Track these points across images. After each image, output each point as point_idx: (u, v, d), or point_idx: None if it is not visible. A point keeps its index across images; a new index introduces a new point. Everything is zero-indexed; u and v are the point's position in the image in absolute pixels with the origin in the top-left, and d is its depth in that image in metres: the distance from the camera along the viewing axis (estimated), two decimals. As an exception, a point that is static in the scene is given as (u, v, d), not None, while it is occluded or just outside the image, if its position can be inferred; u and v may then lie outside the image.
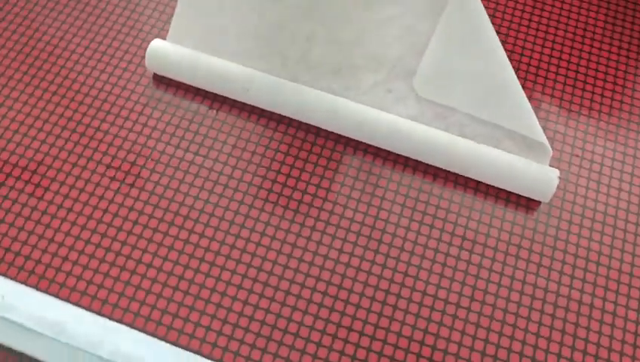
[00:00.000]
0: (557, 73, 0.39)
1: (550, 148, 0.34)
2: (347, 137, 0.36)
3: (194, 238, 0.33)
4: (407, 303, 0.32)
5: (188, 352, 0.28)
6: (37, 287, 0.31)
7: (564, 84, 0.38)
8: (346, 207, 0.34)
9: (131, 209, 0.33)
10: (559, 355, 0.31)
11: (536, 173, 0.34)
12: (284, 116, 0.37)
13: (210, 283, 0.32)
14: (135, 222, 0.33)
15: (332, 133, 0.36)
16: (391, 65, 0.37)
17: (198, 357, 0.28)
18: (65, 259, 0.32)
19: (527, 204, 0.35)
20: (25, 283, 0.31)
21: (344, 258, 0.33)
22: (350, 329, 0.31)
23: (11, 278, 0.31)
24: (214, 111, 0.36)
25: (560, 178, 0.35)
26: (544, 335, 0.31)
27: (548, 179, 0.34)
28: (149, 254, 0.32)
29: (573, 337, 0.31)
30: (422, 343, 0.31)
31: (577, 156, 0.36)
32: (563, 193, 0.35)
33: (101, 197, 0.34)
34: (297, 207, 0.34)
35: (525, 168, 0.34)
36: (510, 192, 0.35)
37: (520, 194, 0.35)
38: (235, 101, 0.37)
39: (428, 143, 0.34)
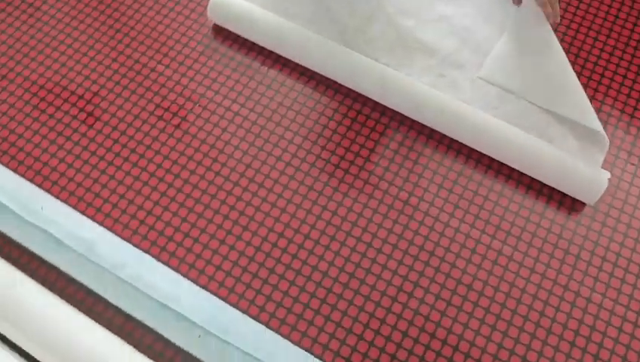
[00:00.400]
0: (624, 77, 0.37)
1: (607, 138, 0.33)
2: (393, 110, 0.36)
3: (227, 186, 0.33)
4: (429, 282, 0.31)
5: (205, 291, 0.29)
6: (74, 207, 0.32)
7: (630, 90, 0.36)
8: (382, 179, 0.34)
9: (173, 149, 0.34)
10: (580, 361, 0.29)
11: (585, 172, 0.32)
12: (334, 82, 0.36)
13: (246, 236, 0.32)
14: (175, 162, 0.34)
15: (379, 104, 0.36)
16: (444, 54, 0.37)
17: (204, 292, 0.29)
18: (104, 186, 0.33)
19: (572, 205, 0.33)
20: (65, 201, 0.32)
21: (372, 228, 0.32)
22: (368, 297, 0.31)
23: (52, 195, 0.32)
24: (265, 68, 0.37)
25: (610, 183, 0.34)
26: (567, 339, 0.30)
27: (597, 180, 0.32)
28: (182, 194, 0.33)
29: (599, 346, 0.30)
30: (434, 323, 0.30)
31: (633, 164, 0.34)
32: (611, 199, 0.34)
33: (146, 134, 0.35)
34: (333, 171, 0.34)
35: (575, 166, 0.32)
36: (554, 190, 0.34)
37: (565, 192, 0.33)
38: (287, 61, 0.37)
39: (475, 126, 0.33)
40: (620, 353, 0.30)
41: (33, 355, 0.27)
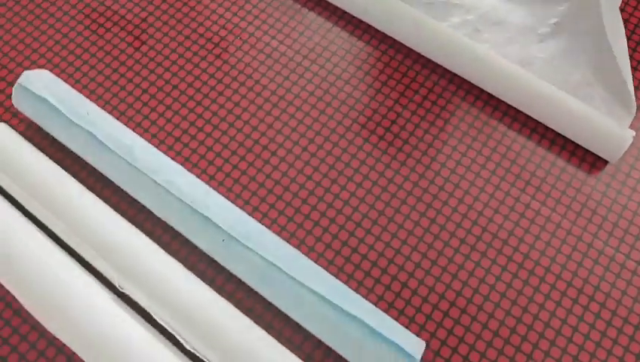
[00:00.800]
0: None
1: (635, 105, 0.33)
2: (426, 58, 0.37)
3: (260, 114, 0.35)
4: (455, 226, 0.32)
5: (231, 203, 0.30)
6: (117, 119, 0.34)
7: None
8: (412, 135, 0.35)
9: (212, 76, 0.36)
10: (597, 315, 0.30)
11: (609, 128, 0.33)
12: (369, 26, 0.38)
13: (274, 160, 0.34)
14: (213, 88, 0.36)
15: (413, 51, 0.37)
16: (482, 11, 0.37)
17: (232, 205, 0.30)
18: (145, 104, 0.35)
19: (594, 162, 0.34)
20: (109, 112, 0.34)
21: (399, 179, 0.34)
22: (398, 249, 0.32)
23: (97, 105, 0.34)
24: (305, 9, 0.38)
25: (634, 144, 0.34)
26: (587, 293, 0.31)
27: (620, 136, 0.33)
28: (217, 117, 0.35)
29: (606, 295, 0.31)
30: (457, 265, 0.31)
31: (660, 131, 0.35)
32: (634, 161, 0.34)
33: (188, 60, 0.36)
34: (363, 109, 0.35)
35: (600, 121, 0.33)
36: (578, 147, 0.34)
37: (588, 148, 0.34)
38: (327, 4, 0.38)
39: (506, 76, 0.34)
40: (627, 304, 0.30)
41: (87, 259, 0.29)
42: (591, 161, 0.34)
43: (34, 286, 0.28)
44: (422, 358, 0.29)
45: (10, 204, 0.30)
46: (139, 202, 0.32)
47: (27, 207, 0.30)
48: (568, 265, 0.31)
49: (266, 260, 0.28)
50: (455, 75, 0.36)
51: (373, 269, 0.31)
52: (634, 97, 0.33)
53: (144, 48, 0.37)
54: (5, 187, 0.31)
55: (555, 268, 0.31)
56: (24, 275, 0.28)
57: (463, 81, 0.36)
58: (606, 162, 0.34)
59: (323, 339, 0.28)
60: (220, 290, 0.30)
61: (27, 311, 0.30)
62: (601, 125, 0.33)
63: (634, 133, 0.33)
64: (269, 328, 0.30)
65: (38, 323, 0.29)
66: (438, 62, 0.36)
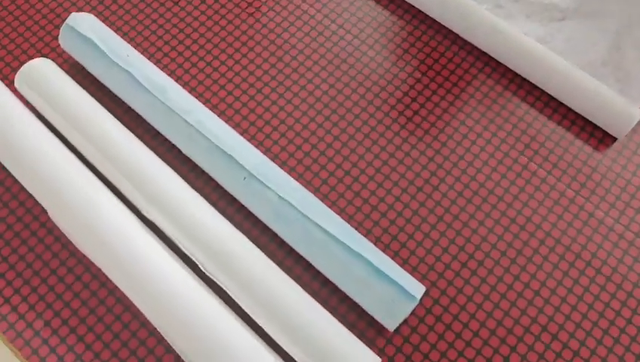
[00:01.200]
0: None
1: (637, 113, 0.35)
2: (454, 33, 0.38)
3: (287, 70, 0.37)
4: (456, 195, 0.34)
5: (254, 147, 0.32)
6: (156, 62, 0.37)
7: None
8: (429, 100, 0.37)
9: (244, 33, 0.38)
10: (592, 279, 0.32)
11: (618, 105, 0.34)
12: (406, 2, 0.40)
13: (298, 113, 0.36)
14: (244, 44, 0.38)
15: (441, 26, 0.39)
16: None
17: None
18: (180, 53, 0.37)
19: (602, 138, 0.35)
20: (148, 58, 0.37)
21: (407, 147, 0.35)
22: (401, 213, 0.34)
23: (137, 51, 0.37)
24: (338, -23, 0.40)
25: (644, 126, 0.35)
26: (585, 258, 0.32)
27: (628, 113, 0.34)
28: (246, 71, 0.37)
29: (602, 263, 0.32)
30: (468, 228, 0.33)
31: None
32: (642, 139, 0.35)
33: (222, 17, 0.39)
34: (385, 85, 0.37)
35: (609, 97, 0.34)
36: (588, 122, 0.36)
37: (597, 124, 0.35)
38: (358, -26, 0.40)
39: (522, 47, 0.36)
40: (622, 271, 0.32)
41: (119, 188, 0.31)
42: (599, 137, 0.36)
43: (66, 203, 0.30)
44: (421, 303, 0.31)
45: (52, 135, 0.33)
46: (169, 141, 0.34)
47: (66, 135, 0.33)
48: (569, 232, 0.33)
49: (282, 198, 0.30)
50: (475, 47, 0.38)
51: (382, 220, 0.33)
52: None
53: (182, 3, 0.39)
54: (48, 117, 0.33)
55: (555, 233, 0.33)
56: (63, 198, 0.30)
57: (482, 53, 0.38)
58: (614, 139, 0.35)
59: (328, 276, 0.30)
60: (237, 226, 0.33)
61: (57, 227, 0.32)
62: (610, 102, 0.34)
63: (643, 111, 0.34)
64: (280, 265, 0.32)
65: (69, 242, 0.32)
66: (459, 34, 0.38)
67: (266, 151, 0.35)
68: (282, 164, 0.34)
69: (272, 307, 0.28)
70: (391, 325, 0.29)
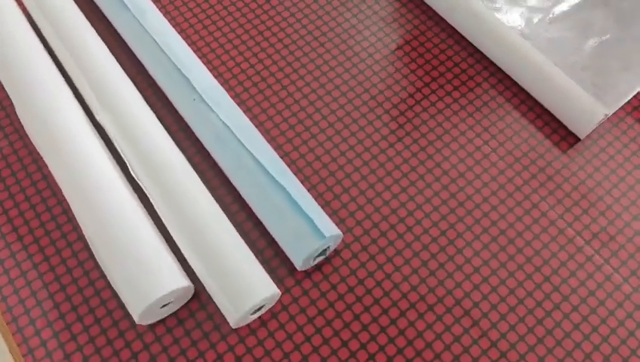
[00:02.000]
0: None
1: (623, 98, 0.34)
2: (445, 22, 0.39)
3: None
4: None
5: (214, 79, 0.34)
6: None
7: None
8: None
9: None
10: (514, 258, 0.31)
11: (584, 103, 0.33)
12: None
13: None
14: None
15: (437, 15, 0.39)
16: None
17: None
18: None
19: (565, 136, 0.34)
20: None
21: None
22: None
23: None
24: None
25: (612, 132, 0.34)
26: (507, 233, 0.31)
27: (592, 112, 0.33)
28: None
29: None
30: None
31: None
32: (606, 145, 0.34)
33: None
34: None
35: (578, 95, 0.33)
36: (554, 119, 0.35)
37: (560, 120, 0.35)
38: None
39: (506, 44, 0.35)
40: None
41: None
42: (563, 135, 0.35)
43: (27, 94, 0.32)
44: (340, 255, 0.31)
45: (33, 32, 0.35)
46: (138, 60, 0.36)
47: (46, 37, 0.35)
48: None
49: (224, 123, 0.31)
50: (463, 37, 0.38)
51: (322, 170, 0.33)
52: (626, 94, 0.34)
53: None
54: (34, 17, 0.36)
55: (485, 207, 0.32)
56: (26, 90, 0.32)
57: (469, 44, 0.38)
58: (578, 140, 0.34)
59: (250, 203, 0.30)
60: (178, 145, 0.34)
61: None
62: (577, 99, 0.34)
63: (607, 112, 0.33)
64: (212, 191, 0.32)
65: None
66: (451, 24, 0.38)
67: (235, 97, 0.36)
68: (245, 108, 0.35)
69: (187, 221, 0.29)
70: (297, 260, 0.29)
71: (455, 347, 0.29)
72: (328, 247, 0.30)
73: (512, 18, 0.38)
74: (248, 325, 0.29)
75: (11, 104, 0.35)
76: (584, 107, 0.33)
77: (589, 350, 0.29)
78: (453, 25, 0.38)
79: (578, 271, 0.31)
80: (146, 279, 0.27)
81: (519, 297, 0.30)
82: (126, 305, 0.27)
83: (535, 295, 0.30)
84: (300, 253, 0.28)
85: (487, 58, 0.37)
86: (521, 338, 0.29)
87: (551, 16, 0.38)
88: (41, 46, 0.34)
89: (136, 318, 0.27)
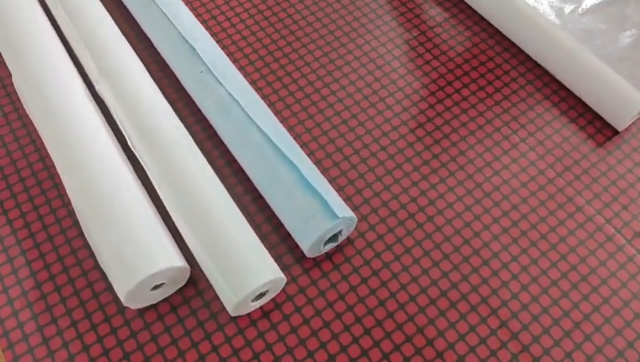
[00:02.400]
0: None
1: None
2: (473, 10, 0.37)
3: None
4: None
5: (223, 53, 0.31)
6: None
7: None
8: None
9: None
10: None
11: (621, 91, 0.31)
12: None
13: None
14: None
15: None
16: None
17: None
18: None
19: (600, 129, 0.32)
20: None
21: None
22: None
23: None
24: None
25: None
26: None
27: (631, 101, 0.30)
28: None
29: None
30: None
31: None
32: (647, 139, 0.31)
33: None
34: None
35: (614, 80, 0.31)
36: (590, 111, 0.32)
37: (597, 111, 0.32)
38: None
39: (539, 32, 0.33)
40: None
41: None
42: (598, 126, 0.32)
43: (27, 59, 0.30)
44: (353, 244, 0.28)
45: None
46: (144, 33, 0.34)
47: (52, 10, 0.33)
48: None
49: (231, 96, 0.29)
50: (498, 30, 0.36)
51: (335, 153, 0.31)
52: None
53: None
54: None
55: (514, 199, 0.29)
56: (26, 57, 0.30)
57: (496, 31, 0.36)
58: (615, 132, 0.32)
59: (256, 181, 0.28)
60: (182, 121, 0.31)
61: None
62: (616, 88, 0.31)
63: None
64: (217, 171, 0.30)
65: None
66: (478, 12, 0.36)
67: (246, 76, 0.33)
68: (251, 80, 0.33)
69: (185, 196, 0.26)
70: (306, 243, 0.26)
71: (481, 349, 0.25)
72: (340, 232, 0.27)
73: (543, 8, 0.36)
74: (248, 315, 0.26)
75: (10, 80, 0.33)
76: (623, 96, 0.31)
77: None
78: (480, 13, 0.36)
79: (619, 272, 0.27)
80: (136, 254, 0.24)
81: (553, 297, 0.27)
82: (113, 283, 0.25)
83: (571, 295, 0.27)
84: (310, 236, 0.26)
85: (517, 46, 0.35)
86: (557, 342, 0.26)
87: (583, 7, 0.36)
88: (43, 15, 0.33)
89: (122, 298, 0.24)
